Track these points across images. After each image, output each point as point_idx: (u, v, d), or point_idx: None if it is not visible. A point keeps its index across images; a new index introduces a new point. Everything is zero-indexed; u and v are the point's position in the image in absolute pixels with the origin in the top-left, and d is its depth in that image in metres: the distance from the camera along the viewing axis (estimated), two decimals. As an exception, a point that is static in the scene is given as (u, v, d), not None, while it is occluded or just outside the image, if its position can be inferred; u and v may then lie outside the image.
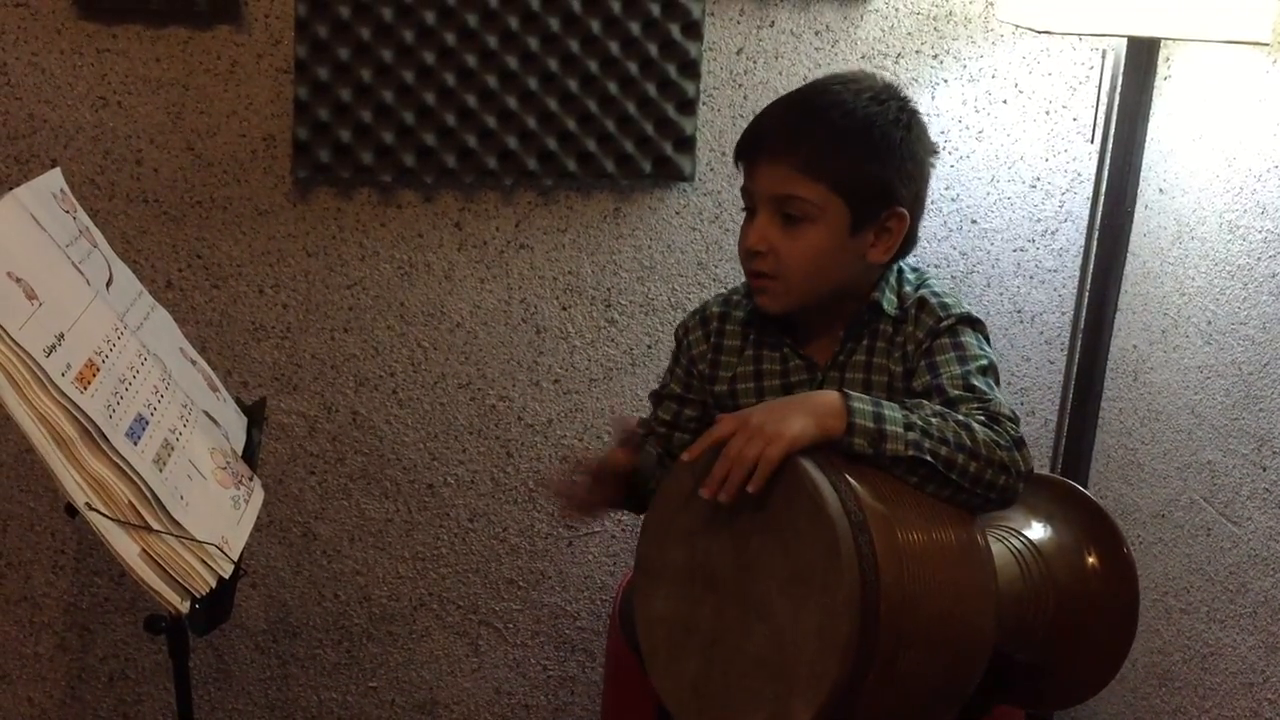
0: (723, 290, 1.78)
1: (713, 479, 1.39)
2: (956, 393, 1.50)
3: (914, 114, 1.60)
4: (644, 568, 1.57)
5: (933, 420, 1.42)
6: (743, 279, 1.68)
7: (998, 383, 1.55)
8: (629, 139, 2.13)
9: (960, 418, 1.44)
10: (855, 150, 1.54)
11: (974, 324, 1.59)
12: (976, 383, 1.51)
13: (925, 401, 1.48)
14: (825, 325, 1.64)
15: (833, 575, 1.33)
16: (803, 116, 1.58)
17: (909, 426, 1.40)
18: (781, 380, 1.65)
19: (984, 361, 1.54)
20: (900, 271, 1.64)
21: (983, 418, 1.45)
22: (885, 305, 1.60)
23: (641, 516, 1.62)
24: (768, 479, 1.37)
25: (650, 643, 1.54)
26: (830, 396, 1.43)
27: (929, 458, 1.40)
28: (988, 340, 1.60)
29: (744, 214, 1.63)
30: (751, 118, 2.16)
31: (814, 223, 1.55)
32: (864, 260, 1.58)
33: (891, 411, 1.42)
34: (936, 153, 1.64)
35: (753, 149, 1.60)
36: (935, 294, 1.61)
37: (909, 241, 1.61)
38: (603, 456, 1.66)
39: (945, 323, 1.57)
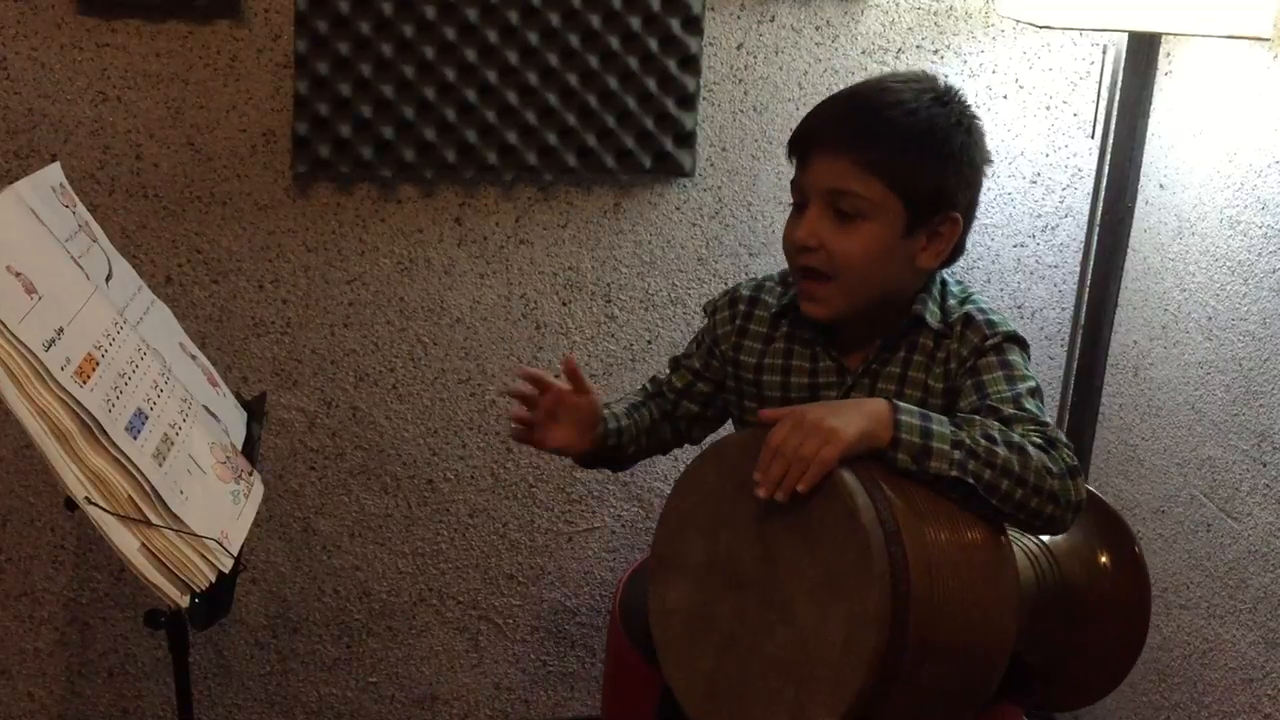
0: (722, 285, 1.77)
1: (770, 478, 1.36)
2: (1011, 411, 1.47)
3: (974, 119, 1.57)
4: (661, 557, 1.55)
5: (982, 441, 1.39)
6: (747, 275, 1.67)
7: (1043, 405, 1.52)
8: (629, 134, 2.13)
9: (1015, 439, 1.41)
10: (917, 149, 1.51)
11: (1019, 343, 1.56)
12: (1028, 405, 1.48)
13: (979, 419, 1.44)
14: (862, 330, 1.61)
15: (863, 585, 1.32)
16: (865, 112, 1.54)
17: (957, 445, 1.38)
18: (809, 379, 1.63)
19: (1031, 383, 1.52)
20: (944, 284, 1.62)
21: (1039, 440, 1.42)
22: (928, 317, 1.57)
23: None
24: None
25: (664, 633, 1.53)
26: (880, 405, 1.40)
27: (971, 480, 1.37)
28: (1030, 359, 1.58)
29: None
30: (752, 113, 2.19)
31: (869, 220, 1.51)
32: (913, 264, 1.55)
33: (940, 428, 1.39)
34: (991, 162, 1.61)
35: (810, 141, 1.56)
36: (981, 310, 1.58)
37: (957, 249, 1.58)
38: (561, 387, 1.62)
39: (991, 340, 1.54)
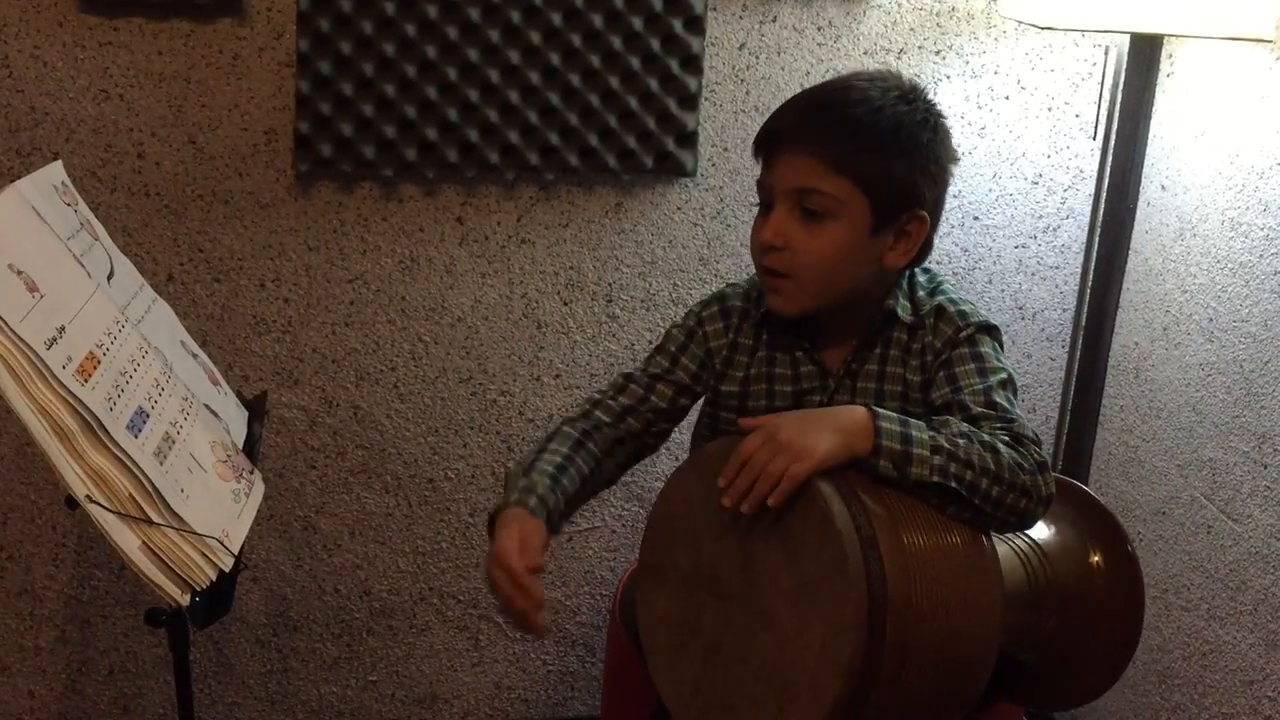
0: (724, 283, 1.75)
1: (736, 489, 1.37)
2: (979, 410, 1.47)
3: (940, 117, 1.57)
4: (647, 566, 1.56)
5: (959, 442, 1.39)
6: (749, 275, 1.66)
7: (1016, 395, 1.52)
8: (631, 134, 2.13)
9: (986, 438, 1.41)
10: (882, 148, 1.50)
11: (991, 332, 1.57)
12: (998, 399, 1.48)
13: (951, 419, 1.45)
14: (838, 331, 1.60)
15: (840, 591, 1.32)
16: (830, 110, 1.53)
17: (935, 449, 1.38)
18: (793, 386, 1.63)
19: (1003, 375, 1.52)
20: (912, 276, 1.61)
21: (1007, 438, 1.43)
22: (900, 312, 1.57)
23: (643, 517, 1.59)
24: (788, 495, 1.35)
25: (652, 642, 1.54)
26: (858, 414, 1.40)
27: (953, 484, 1.38)
28: (1003, 347, 1.58)
29: (755, 209, 1.58)
30: (754, 113, 2.19)
31: (835, 219, 1.50)
32: (881, 263, 1.55)
33: (919, 433, 1.39)
34: (957, 160, 1.60)
35: (775, 140, 1.55)
36: (953, 301, 1.58)
37: (926, 247, 1.58)
38: (520, 556, 1.47)
39: (964, 332, 1.54)
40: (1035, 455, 1.43)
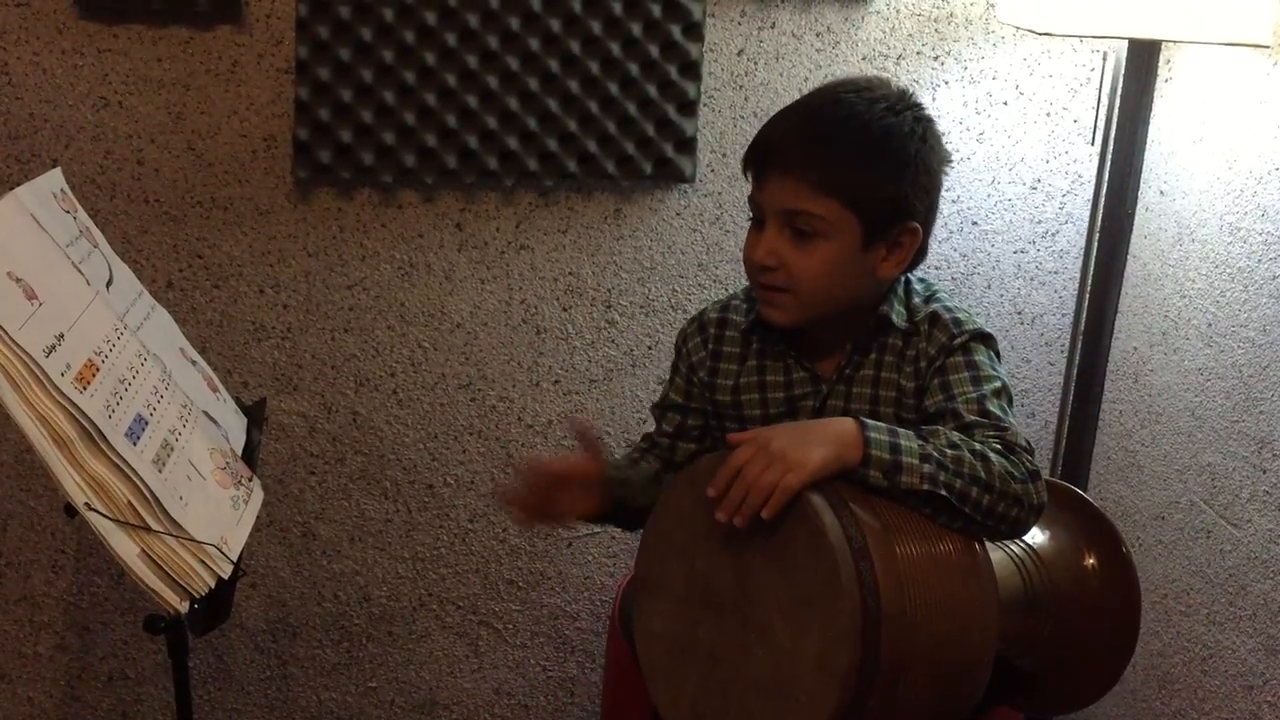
0: (723, 292, 1.76)
1: (730, 502, 1.37)
2: (972, 418, 1.47)
3: (929, 123, 1.56)
4: (643, 581, 1.56)
5: (948, 451, 1.39)
6: (743, 282, 1.66)
7: (1010, 405, 1.52)
8: (630, 140, 2.13)
9: (977, 446, 1.41)
10: (871, 166, 1.50)
11: (986, 340, 1.56)
12: (991, 408, 1.48)
13: (941, 429, 1.45)
14: (831, 337, 1.60)
15: (833, 603, 1.32)
16: (817, 130, 1.53)
17: (925, 458, 1.38)
18: (785, 392, 1.63)
19: (997, 383, 1.52)
20: (907, 283, 1.61)
21: (999, 447, 1.43)
22: (894, 318, 1.57)
23: (637, 531, 1.60)
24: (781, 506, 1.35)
25: (649, 659, 1.54)
26: (847, 425, 1.40)
27: (943, 492, 1.38)
28: (999, 356, 1.58)
29: (749, 222, 1.59)
30: (752, 119, 2.19)
31: (825, 238, 1.50)
32: (874, 275, 1.55)
33: (908, 442, 1.39)
34: (949, 161, 1.60)
35: (763, 161, 1.55)
36: (947, 309, 1.58)
37: (920, 254, 1.58)
38: (565, 461, 1.60)
39: (958, 339, 1.54)
40: (1027, 464, 1.43)
